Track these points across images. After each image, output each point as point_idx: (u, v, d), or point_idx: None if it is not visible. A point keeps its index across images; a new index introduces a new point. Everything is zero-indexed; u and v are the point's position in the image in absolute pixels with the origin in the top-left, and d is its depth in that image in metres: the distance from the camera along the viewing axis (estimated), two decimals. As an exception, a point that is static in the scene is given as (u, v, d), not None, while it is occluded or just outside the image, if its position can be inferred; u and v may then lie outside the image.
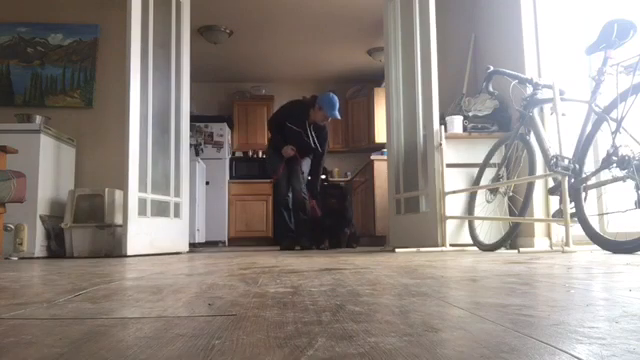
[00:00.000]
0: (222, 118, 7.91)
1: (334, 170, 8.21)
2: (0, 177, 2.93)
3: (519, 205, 3.13)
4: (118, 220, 3.77)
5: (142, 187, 3.68)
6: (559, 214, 2.85)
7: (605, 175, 2.65)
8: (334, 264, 2.03)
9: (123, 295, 1.10)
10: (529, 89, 3.16)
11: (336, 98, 4.86)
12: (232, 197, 7.74)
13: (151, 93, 3.85)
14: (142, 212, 3.68)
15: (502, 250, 3.22)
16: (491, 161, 3.46)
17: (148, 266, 2.19)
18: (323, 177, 7.71)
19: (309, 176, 5.14)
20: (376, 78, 7.69)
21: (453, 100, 4.11)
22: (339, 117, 4.97)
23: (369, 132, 7.86)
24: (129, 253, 3.45)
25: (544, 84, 3.10)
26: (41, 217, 3.73)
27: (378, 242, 5.67)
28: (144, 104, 3.76)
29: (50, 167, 3.89)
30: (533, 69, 3.51)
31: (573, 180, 2.74)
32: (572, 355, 0.50)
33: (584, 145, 2.74)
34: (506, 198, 3.32)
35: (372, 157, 6.04)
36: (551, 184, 3.04)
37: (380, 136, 7.19)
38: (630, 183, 2.40)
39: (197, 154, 7.21)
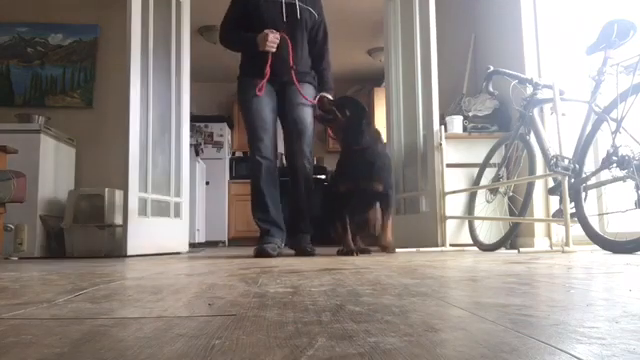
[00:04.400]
0: (222, 118, 7.91)
1: (334, 170, 8.20)
2: (0, 177, 2.93)
3: (519, 205, 3.13)
4: (118, 220, 3.77)
5: (142, 187, 3.68)
6: (559, 214, 2.85)
7: (605, 175, 2.65)
8: (334, 264, 2.02)
9: (123, 295, 1.10)
10: (529, 89, 3.16)
11: None
12: (232, 197, 7.74)
13: (151, 93, 3.84)
14: (142, 212, 3.68)
15: (502, 250, 3.22)
16: (491, 161, 3.46)
17: (148, 266, 2.19)
18: (323, 177, 7.77)
19: (313, 69, 3.25)
20: (376, 78, 7.69)
21: (453, 100, 4.11)
22: None
23: (369, 132, 7.85)
24: (129, 253, 3.45)
25: (544, 84, 3.10)
26: (41, 217, 3.73)
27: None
28: (144, 104, 3.76)
29: (50, 167, 3.89)
30: (533, 69, 3.50)
31: (573, 180, 2.74)
32: (572, 355, 0.50)
33: (584, 145, 2.74)
34: (506, 198, 3.31)
35: (372, 157, 6.03)
36: (551, 184, 3.04)
37: (380, 136, 7.18)
38: (630, 183, 2.40)
39: (197, 154, 7.21)
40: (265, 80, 2.96)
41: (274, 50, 2.95)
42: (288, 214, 3.12)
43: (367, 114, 2.98)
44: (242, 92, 3.10)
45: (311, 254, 2.91)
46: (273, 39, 2.93)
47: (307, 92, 3.09)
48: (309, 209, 3.07)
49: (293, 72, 3.02)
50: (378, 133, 3.03)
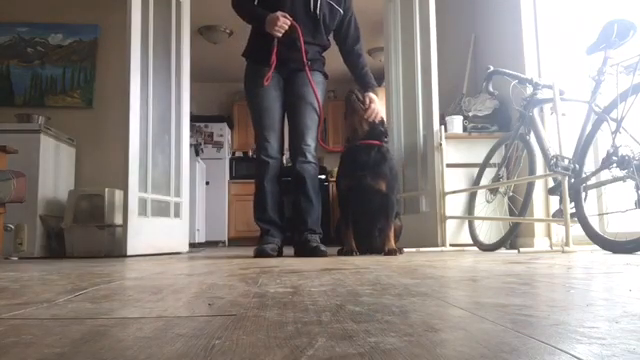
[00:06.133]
0: (222, 118, 7.92)
1: (334, 170, 8.21)
2: (0, 177, 2.92)
3: (519, 205, 3.13)
4: (118, 220, 3.77)
5: (142, 187, 3.68)
6: (559, 214, 2.85)
7: (605, 175, 2.65)
8: (334, 264, 2.02)
9: (123, 295, 1.10)
10: (529, 89, 3.16)
11: None
12: (232, 197, 7.75)
13: (151, 93, 3.84)
14: (142, 212, 3.68)
15: (502, 250, 3.23)
16: (491, 161, 3.46)
17: (148, 266, 2.19)
18: (323, 177, 7.77)
19: (352, 72, 3.19)
20: (376, 78, 7.67)
21: (453, 100, 4.11)
22: None
23: (369, 132, 7.85)
24: (129, 253, 3.45)
25: (544, 84, 3.10)
26: (41, 217, 3.73)
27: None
28: (144, 104, 3.76)
29: (50, 167, 3.89)
30: (533, 69, 3.51)
31: (573, 180, 2.74)
32: (572, 355, 0.50)
33: (584, 145, 2.74)
34: (506, 198, 3.32)
35: (372, 157, 6.02)
36: (551, 184, 3.04)
37: (380, 136, 7.18)
38: (630, 183, 2.40)
39: (197, 154, 7.21)
40: (271, 71, 2.86)
41: (279, 36, 2.79)
42: (293, 213, 2.96)
43: None
44: (248, 80, 3.02)
45: (323, 255, 2.72)
46: (282, 24, 2.76)
47: (316, 80, 2.98)
48: (317, 208, 2.94)
49: (307, 66, 2.90)
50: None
